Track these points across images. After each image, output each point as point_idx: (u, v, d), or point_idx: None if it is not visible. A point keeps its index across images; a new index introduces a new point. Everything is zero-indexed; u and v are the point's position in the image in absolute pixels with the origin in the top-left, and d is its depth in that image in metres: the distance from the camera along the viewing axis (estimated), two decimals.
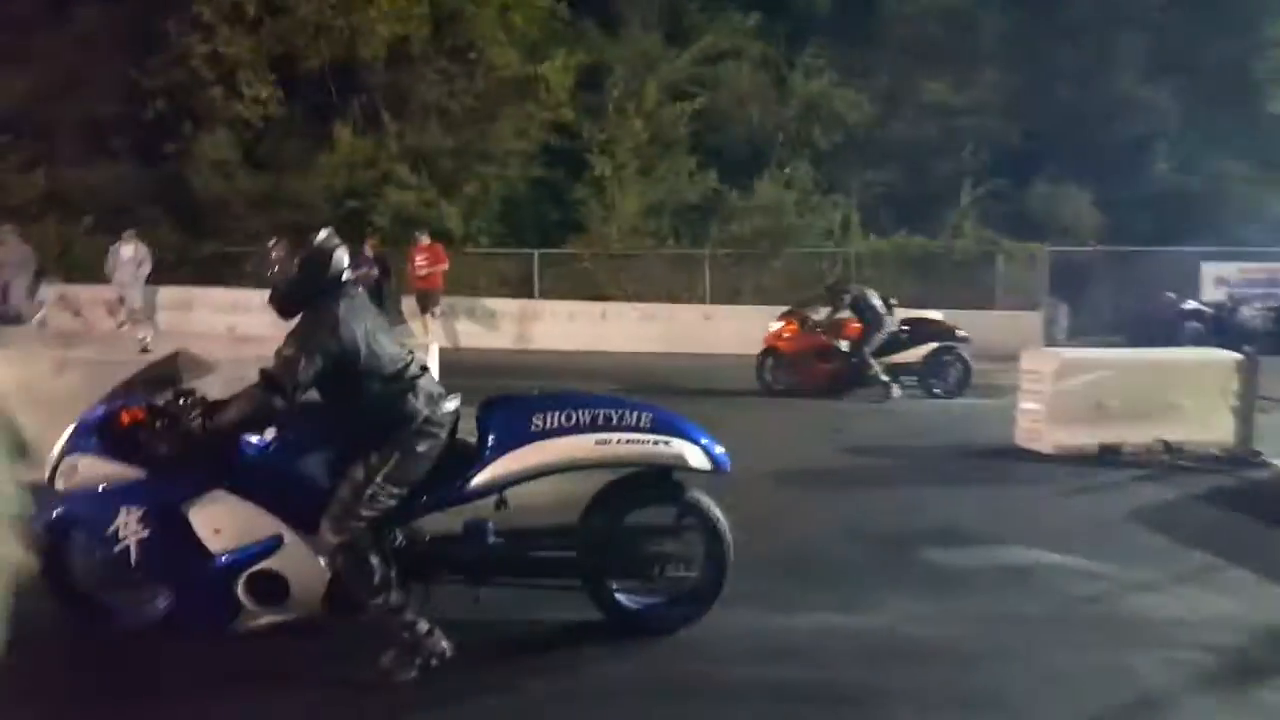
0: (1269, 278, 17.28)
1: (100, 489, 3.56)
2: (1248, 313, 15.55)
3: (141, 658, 3.56)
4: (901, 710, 3.31)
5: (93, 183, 19.28)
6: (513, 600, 3.80)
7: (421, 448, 3.47)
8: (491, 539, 3.73)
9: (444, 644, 3.43)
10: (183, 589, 3.59)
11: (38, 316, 14.72)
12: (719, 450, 3.78)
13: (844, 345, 10.75)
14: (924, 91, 20.20)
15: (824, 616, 4.13)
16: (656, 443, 3.67)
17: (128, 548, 3.50)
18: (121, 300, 15.14)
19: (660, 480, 3.83)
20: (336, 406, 3.53)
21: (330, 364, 3.34)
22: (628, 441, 3.64)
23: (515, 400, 3.79)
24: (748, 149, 20.30)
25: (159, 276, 16.10)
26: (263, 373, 3.34)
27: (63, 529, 3.65)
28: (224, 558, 3.50)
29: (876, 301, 10.75)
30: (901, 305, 11.48)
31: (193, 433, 3.40)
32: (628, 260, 18.28)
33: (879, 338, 10.63)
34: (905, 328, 10.95)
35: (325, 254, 3.49)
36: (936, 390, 10.75)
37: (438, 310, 15.22)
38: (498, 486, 3.60)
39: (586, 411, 3.65)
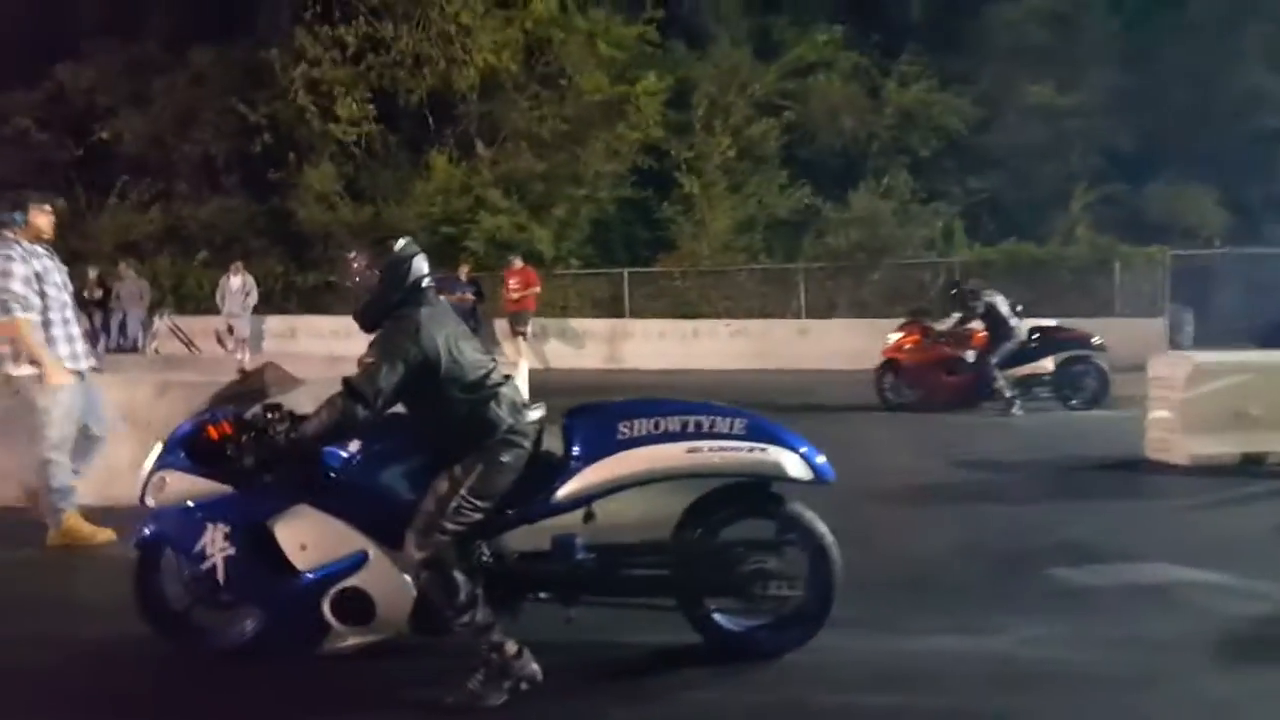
0: None
1: (187, 505, 3.52)
2: None
3: (223, 680, 3.48)
4: None
5: (206, 217, 20.25)
6: (605, 621, 3.59)
7: (506, 458, 3.33)
8: (580, 555, 3.53)
9: (533, 666, 3.25)
10: (271, 608, 3.52)
11: (152, 346, 15.47)
12: (820, 459, 3.48)
13: (970, 356, 10.19)
14: (1027, 95, 19.47)
15: (941, 639, 3.78)
16: (752, 450, 3.41)
17: (215, 565, 3.45)
18: (231, 329, 15.76)
19: (758, 492, 3.57)
20: (419, 417, 3.43)
21: (412, 371, 3.24)
22: (721, 450, 3.39)
23: (602, 408, 3.59)
24: (842, 160, 19.93)
25: (266, 306, 16.70)
26: (345, 381, 3.26)
27: (153, 547, 3.62)
28: (311, 575, 3.41)
29: (1005, 309, 10.18)
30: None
31: (278, 445, 3.34)
32: (719, 277, 18.08)
33: (1008, 348, 10.05)
34: (1034, 336, 10.32)
35: (404, 261, 3.41)
36: (1073, 402, 10.12)
37: (528, 331, 15.33)
38: (585, 498, 3.41)
39: (676, 418, 3.42)
